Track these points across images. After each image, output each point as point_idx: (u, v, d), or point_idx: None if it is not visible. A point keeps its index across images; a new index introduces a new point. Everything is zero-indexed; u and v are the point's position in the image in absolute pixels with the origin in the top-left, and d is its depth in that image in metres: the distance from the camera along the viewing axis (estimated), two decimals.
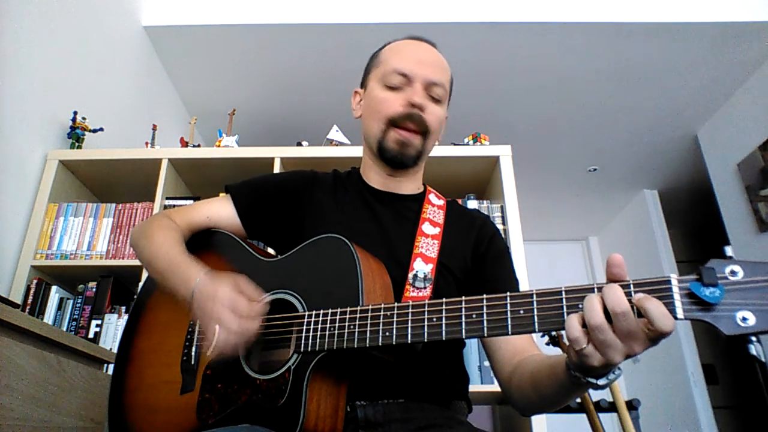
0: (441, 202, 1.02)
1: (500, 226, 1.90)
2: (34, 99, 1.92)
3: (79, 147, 2.08)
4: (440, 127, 1.01)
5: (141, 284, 1.04)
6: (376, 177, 1.03)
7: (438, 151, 1.99)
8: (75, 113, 2.10)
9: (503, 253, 1.01)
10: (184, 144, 2.27)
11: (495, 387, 1.69)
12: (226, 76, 3.08)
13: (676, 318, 0.54)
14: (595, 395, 1.87)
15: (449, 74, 1.03)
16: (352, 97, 1.08)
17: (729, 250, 0.56)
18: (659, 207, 4.30)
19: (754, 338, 0.53)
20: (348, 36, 2.76)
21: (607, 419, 1.88)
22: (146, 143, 2.27)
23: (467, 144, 2.08)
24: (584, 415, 1.81)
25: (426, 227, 0.95)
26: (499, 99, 3.27)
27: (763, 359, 0.53)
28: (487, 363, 1.72)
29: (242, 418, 0.77)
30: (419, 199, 1.02)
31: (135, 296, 1.88)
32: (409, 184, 1.04)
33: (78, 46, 2.18)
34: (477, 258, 0.97)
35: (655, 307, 0.53)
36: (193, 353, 0.88)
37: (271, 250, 1.36)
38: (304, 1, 2.75)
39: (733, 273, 0.53)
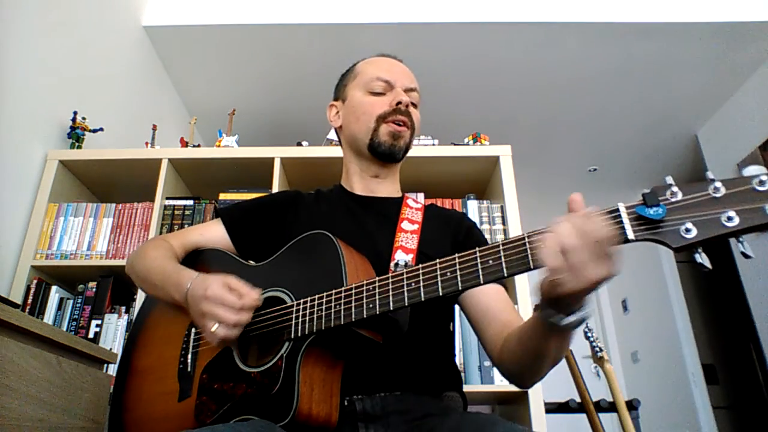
0: (419, 206, 1.09)
1: (500, 226, 1.90)
2: (34, 99, 1.92)
3: (79, 147, 2.08)
4: (419, 128, 1.12)
5: (138, 307, 1.08)
6: (359, 182, 1.10)
7: (438, 151, 1.99)
8: (75, 113, 2.10)
9: (482, 244, 1.05)
10: (184, 144, 2.27)
11: (495, 387, 1.69)
12: (226, 76, 3.08)
13: (627, 240, 0.60)
14: (595, 395, 1.88)
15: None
16: (327, 111, 1.17)
17: (669, 179, 0.62)
18: None
19: (699, 248, 0.57)
20: (347, 36, 2.76)
21: (607, 419, 1.88)
22: (146, 143, 2.26)
23: (467, 144, 2.08)
24: (584, 415, 1.81)
25: (405, 225, 1.02)
26: (499, 99, 3.27)
27: (708, 266, 0.57)
28: (487, 363, 1.71)
29: (239, 412, 0.79)
30: (398, 203, 1.09)
31: (134, 297, 1.89)
32: (389, 186, 1.12)
33: (78, 46, 2.18)
34: (456, 245, 1.03)
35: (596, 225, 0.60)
36: (189, 360, 0.89)
37: None
38: (304, 1, 2.75)
39: (673, 194, 0.60)
